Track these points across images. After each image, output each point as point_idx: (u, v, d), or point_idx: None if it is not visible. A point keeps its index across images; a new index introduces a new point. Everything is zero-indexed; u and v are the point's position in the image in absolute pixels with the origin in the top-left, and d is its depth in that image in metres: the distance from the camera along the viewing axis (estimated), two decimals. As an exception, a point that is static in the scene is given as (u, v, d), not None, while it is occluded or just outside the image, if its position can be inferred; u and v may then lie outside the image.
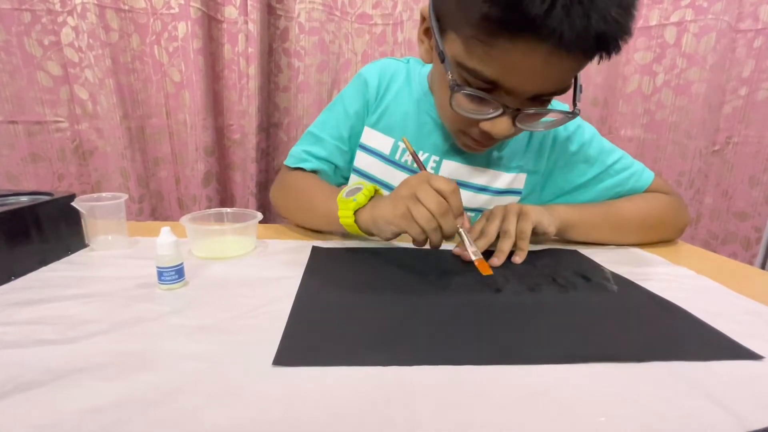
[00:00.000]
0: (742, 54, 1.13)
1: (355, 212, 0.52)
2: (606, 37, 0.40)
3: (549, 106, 0.52)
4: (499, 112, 0.49)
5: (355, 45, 1.19)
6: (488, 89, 0.48)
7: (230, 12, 1.13)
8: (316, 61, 1.17)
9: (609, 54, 0.43)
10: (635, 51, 1.19)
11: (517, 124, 0.50)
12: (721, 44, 1.11)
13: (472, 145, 0.59)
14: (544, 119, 0.54)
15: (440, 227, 0.46)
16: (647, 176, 0.67)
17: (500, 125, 0.50)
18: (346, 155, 0.71)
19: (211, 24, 1.13)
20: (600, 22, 0.39)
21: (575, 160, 0.68)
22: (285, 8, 1.16)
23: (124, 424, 0.24)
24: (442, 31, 0.49)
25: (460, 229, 0.48)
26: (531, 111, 0.49)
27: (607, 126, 1.26)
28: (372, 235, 0.53)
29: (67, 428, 0.24)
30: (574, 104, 0.51)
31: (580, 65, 0.46)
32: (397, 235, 0.51)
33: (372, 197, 0.53)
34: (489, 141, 0.55)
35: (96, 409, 0.25)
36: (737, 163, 1.20)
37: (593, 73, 1.19)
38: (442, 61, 0.49)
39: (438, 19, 0.50)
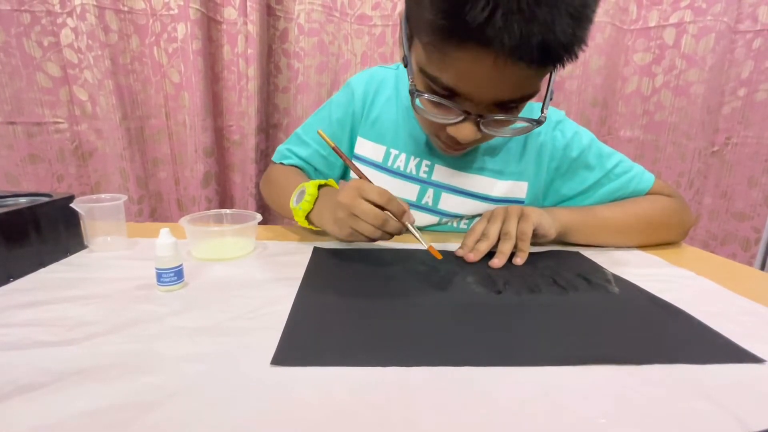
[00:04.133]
0: (741, 55, 1.14)
1: (309, 215, 0.56)
2: (550, 46, 0.39)
3: (524, 109, 0.52)
4: (461, 117, 0.49)
5: (354, 46, 1.20)
6: (449, 96, 0.48)
7: (229, 13, 1.13)
8: (315, 62, 1.17)
9: (561, 62, 0.42)
10: (634, 52, 1.19)
11: (483, 130, 0.50)
12: (720, 45, 1.11)
13: (445, 148, 0.59)
14: (512, 126, 0.53)
15: (386, 232, 0.49)
16: (648, 179, 0.67)
17: (464, 131, 0.50)
18: (325, 160, 0.73)
19: (210, 25, 1.13)
20: (543, 32, 0.38)
21: (576, 167, 0.68)
22: (284, 9, 1.17)
23: (124, 426, 0.24)
24: (411, 37, 0.50)
25: (408, 225, 0.49)
26: (494, 117, 0.49)
27: (607, 127, 1.26)
28: None
29: (66, 430, 0.24)
30: (542, 111, 0.50)
31: (537, 73, 0.45)
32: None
33: (317, 198, 0.56)
34: (457, 145, 0.55)
35: (95, 411, 0.25)
36: (736, 164, 1.21)
37: (592, 74, 1.19)
38: (406, 66, 0.51)
39: (408, 25, 0.50)
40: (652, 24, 1.16)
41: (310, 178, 0.73)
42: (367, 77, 0.72)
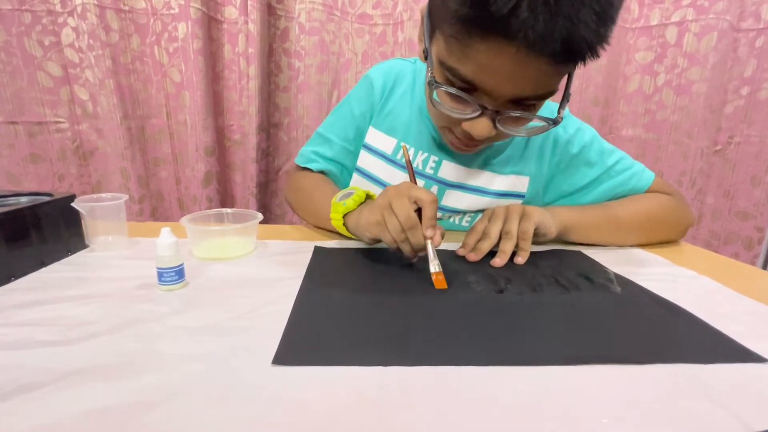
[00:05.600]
0: (743, 53, 1.13)
1: (345, 215, 0.56)
2: (573, 41, 0.39)
3: (540, 108, 0.51)
4: (478, 113, 0.48)
5: (355, 45, 1.19)
6: (468, 89, 0.47)
7: (230, 12, 1.13)
8: (316, 61, 1.16)
9: (583, 59, 0.42)
10: (636, 51, 1.19)
11: (498, 127, 0.49)
12: (722, 44, 1.10)
13: (457, 144, 0.59)
14: (527, 125, 0.53)
15: (408, 240, 0.47)
16: (648, 176, 0.67)
17: (479, 126, 0.49)
18: (353, 156, 0.72)
19: (211, 24, 1.13)
20: (567, 26, 0.38)
21: (576, 163, 0.67)
22: (285, 8, 1.16)
23: (124, 425, 0.24)
24: (432, 30, 0.50)
25: (428, 243, 0.47)
26: (510, 114, 0.48)
27: (608, 126, 1.25)
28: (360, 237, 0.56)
29: (66, 430, 0.24)
30: (558, 112, 0.50)
31: (558, 70, 0.44)
32: (375, 240, 0.53)
33: (362, 203, 0.56)
34: (471, 141, 0.55)
35: (96, 410, 0.25)
36: (739, 163, 1.20)
37: (594, 72, 1.19)
38: (426, 58, 0.51)
39: (430, 19, 0.50)
40: (653, 22, 1.16)
41: (338, 181, 0.73)
42: (386, 69, 0.72)
